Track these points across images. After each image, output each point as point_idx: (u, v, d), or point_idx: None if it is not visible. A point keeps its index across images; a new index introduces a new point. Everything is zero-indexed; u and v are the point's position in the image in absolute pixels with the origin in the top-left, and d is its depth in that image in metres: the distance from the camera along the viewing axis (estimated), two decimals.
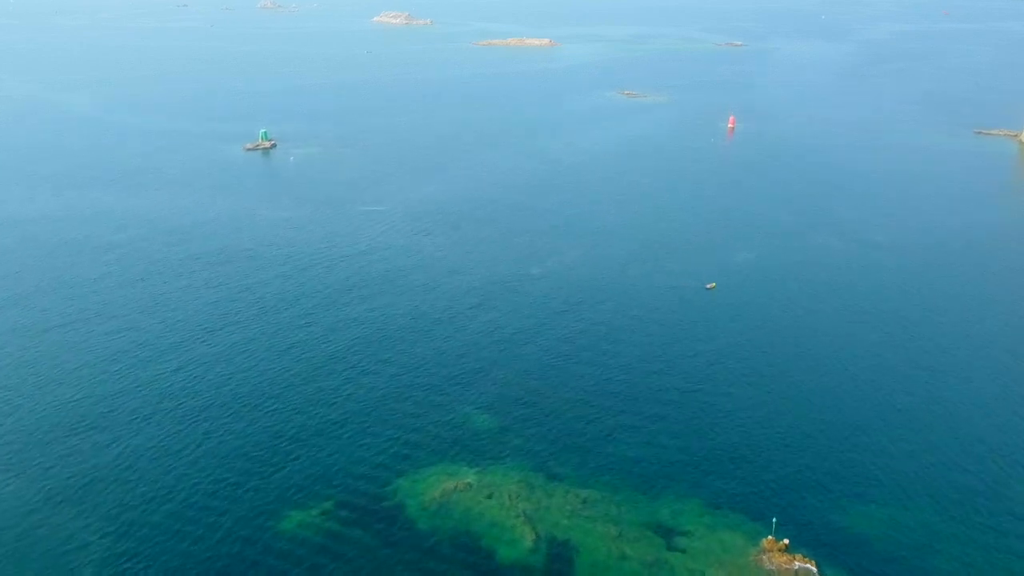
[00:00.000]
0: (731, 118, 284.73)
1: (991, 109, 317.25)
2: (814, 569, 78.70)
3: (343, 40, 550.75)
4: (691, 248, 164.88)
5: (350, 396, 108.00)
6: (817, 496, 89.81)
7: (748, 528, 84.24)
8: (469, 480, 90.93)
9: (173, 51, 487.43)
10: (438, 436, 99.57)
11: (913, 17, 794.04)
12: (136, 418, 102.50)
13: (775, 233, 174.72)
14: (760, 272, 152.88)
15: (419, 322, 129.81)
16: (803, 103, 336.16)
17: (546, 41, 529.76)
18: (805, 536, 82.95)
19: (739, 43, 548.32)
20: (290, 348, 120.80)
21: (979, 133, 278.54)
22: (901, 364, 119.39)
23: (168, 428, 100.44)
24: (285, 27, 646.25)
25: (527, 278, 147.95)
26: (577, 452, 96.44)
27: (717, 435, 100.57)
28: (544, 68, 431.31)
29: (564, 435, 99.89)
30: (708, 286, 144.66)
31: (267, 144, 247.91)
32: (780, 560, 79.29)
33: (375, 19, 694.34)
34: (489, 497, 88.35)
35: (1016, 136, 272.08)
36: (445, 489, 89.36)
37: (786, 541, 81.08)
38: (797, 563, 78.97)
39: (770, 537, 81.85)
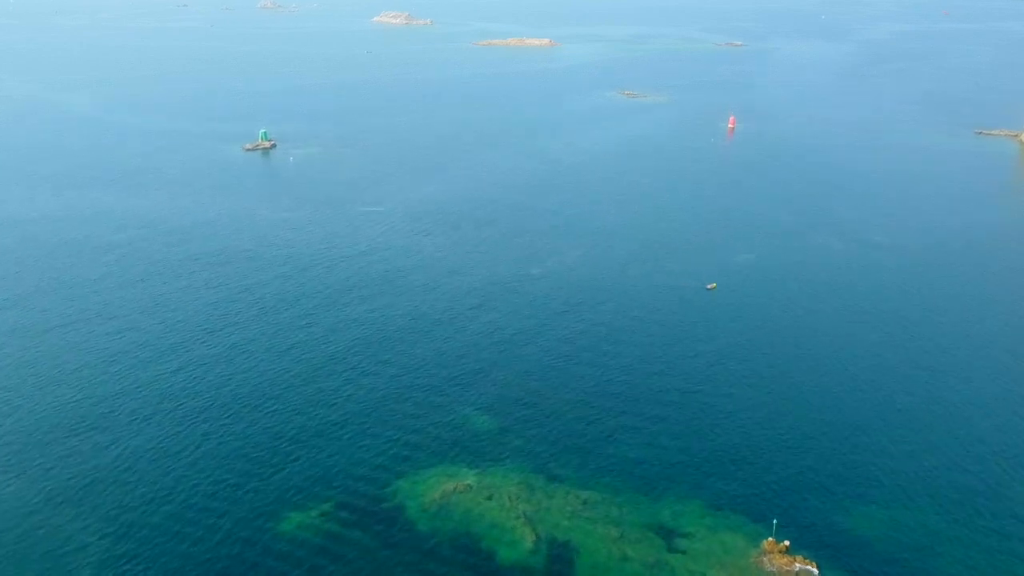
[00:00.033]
0: (731, 118, 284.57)
1: (991, 109, 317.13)
2: (815, 571, 78.58)
3: (343, 40, 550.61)
4: (691, 248, 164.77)
5: (350, 397, 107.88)
6: (818, 497, 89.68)
7: (749, 530, 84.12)
8: (469, 481, 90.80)
9: (173, 51, 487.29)
10: (438, 437, 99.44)
11: (913, 17, 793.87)
12: (136, 419, 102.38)
13: (775, 233, 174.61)
14: (760, 272, 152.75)
15: (419, 323, 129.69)
16: (803, 103, 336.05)
17: (546, 41, 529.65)
18: (806, 538, 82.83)
19: (739, 43, 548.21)
20: (290, 349, 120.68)
21: (979, 133, 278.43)
22: (901, 364, 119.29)
23: (168, 429, 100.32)
24: (285, 27, 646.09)
25: (527, 278, 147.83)
26: (578, 453, 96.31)
27: (718, 436, 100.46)
28: (544, 68, 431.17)
29: (564, 436, 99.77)
30: (709, 286, 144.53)
31: (267, 144, 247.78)
32: (781, 562, 79.14)
33: (375, 19, 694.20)
34: (489, 498, 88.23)
35: (1016, 136, 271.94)
36: (445, 490, 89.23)
37: (787, 543, 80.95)
38: (798, 565, 78.84)
39: (771, 539, 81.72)
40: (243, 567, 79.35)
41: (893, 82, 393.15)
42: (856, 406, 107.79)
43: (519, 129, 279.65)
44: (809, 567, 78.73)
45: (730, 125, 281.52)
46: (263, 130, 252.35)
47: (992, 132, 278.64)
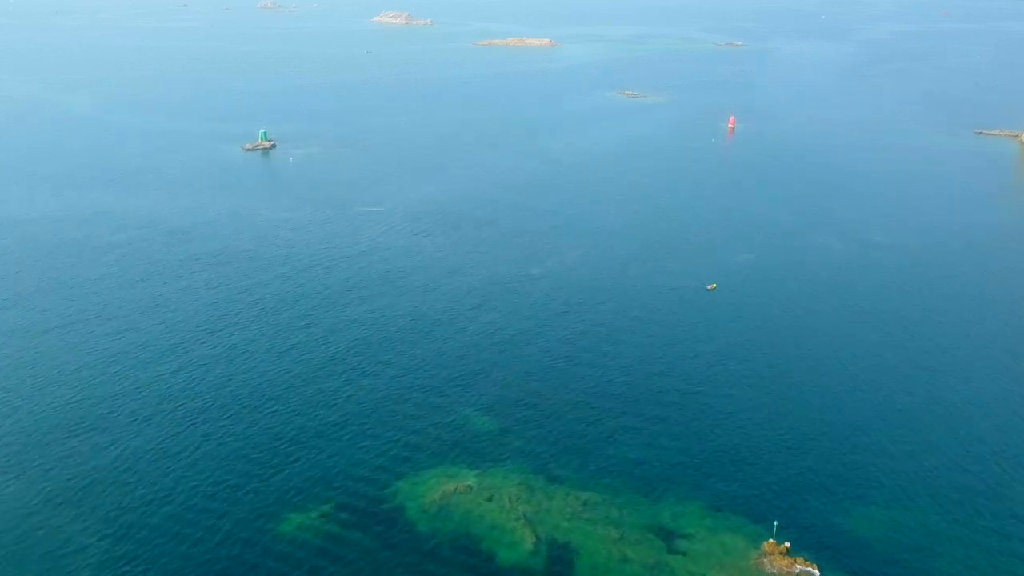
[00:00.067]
0: (731, 118, 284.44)
1: (991, 109, 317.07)
2: (816, 573, 78.46)
3: (343, 40, 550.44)
4: (691, 248, 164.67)
5: (350, 398, 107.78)
6: (819, 498, 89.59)
7: (749, 531, 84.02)
8: (469, 482, 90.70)
9: (173, 51, 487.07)
10: (438, 438, 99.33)
11: (913, 17, 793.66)
12: (135, 420, 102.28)
13: (775, 233, 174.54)
14: (760, 272, 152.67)
15: (419, 323, 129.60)
16: (803, 103, 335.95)
17: (546, 41, 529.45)
18: (807, 539, 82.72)
19: (739, 43, 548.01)
20: (290, 349, 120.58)
21: (980, 133, 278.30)
22: (901, 364, 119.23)
23: (167, 430, 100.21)
24: (285, 27, 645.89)
25: (527, 279, 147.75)
26: (578, 454, 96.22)
27: (718, 437, 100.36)
28: (544, 68, 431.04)
29: (565, 437, 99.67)
30: (709, 287, 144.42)
31: (267, 144, 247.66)
32: (782, 563, 79.03)
33: (375, 19, 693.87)
34: (489, 499, 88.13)
35: (1017, 136, 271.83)
36: (445, 491, 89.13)
37: (787, 544, 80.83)
38: (799, 566, 78.72)
39: (771, 540, 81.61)
40: (243, 568, 79.24)
41: (893, 82, 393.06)
42: (856, 406, 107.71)
43: (519, 129, 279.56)
44: (810, 569, 78.61)
45: (730, 125, 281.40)
46: (263, 130, 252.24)
47: (992, 132, 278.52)
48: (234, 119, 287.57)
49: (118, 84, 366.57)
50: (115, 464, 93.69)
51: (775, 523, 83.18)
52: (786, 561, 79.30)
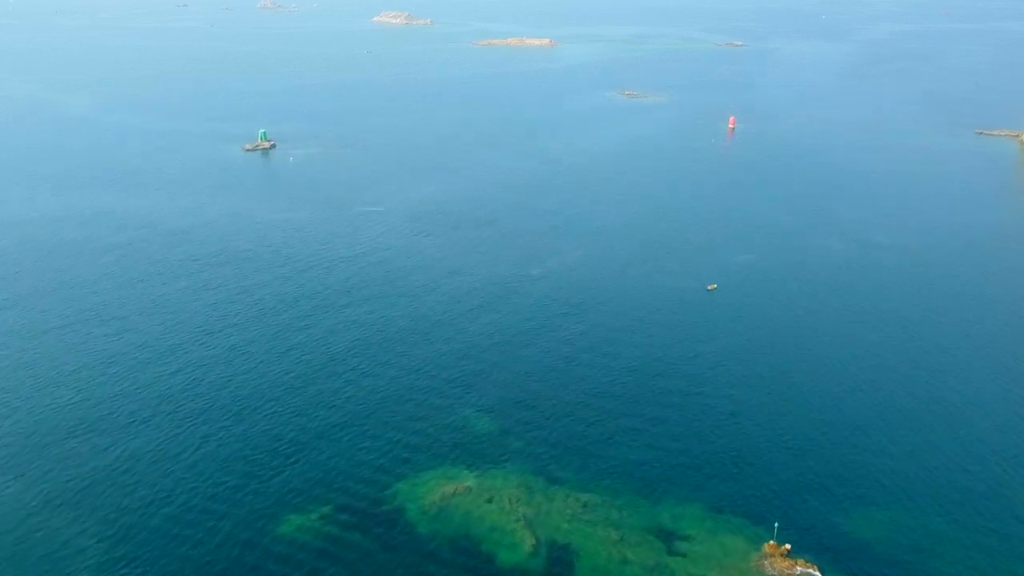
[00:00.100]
0: (731, 118, 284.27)
1: (992, 109, 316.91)
2: (817, 574, 78.28)
3: (343, 40, 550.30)
4: (691, 249, 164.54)
5: (349, 399, 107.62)
6: (819, 499, 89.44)
7: (750, 532, 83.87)
8: (469, 484, 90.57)
9: (173, 51, 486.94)
10: (438, 439, 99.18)
11: (913, 17, 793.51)
12: (135, 421, 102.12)
13: (775, 233, 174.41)
14: (760, 273, 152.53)
15: (419, 324, 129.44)
16: (803, 103, 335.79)
17: (546, 41, 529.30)
18: (807, 541, 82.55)
19: (739, 43, 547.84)
20: (289, 350, 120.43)
21: (980, 134, 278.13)
22: (901, 364, 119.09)
23: (167, 431, 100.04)
24: (285, 27, 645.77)
25: (527, 279, 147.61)
26: (578, 455, 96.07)
27: (719, 438, 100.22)
28: (544, 68, 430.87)
29: (565, 438, 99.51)
30: (709, 287, 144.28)
31: (266, 144, 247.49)
32: (782, 565, 78.86)
33: (375, 19, 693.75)
34: (489, 501, 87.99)
35: (1017, 136, 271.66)
36: (445, 493, 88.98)
37: (788, 546, 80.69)
38: (799, 568, 78.55)
39: (772, 542, 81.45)
40: (243, 570, 79.10)
41: (893, 82, 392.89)
42: (856, 406, 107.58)
43: (519, 129, 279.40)
44: (811, 571, 78.45)
45: (730, 125, 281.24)
46: (263, 130, 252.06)
47: (992, 132, 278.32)
48: (234, 119, 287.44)
49: (118, 84, 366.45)
50: (114, 465, 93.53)
51: (776, 525, 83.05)
52: (787, 563, 79.14)
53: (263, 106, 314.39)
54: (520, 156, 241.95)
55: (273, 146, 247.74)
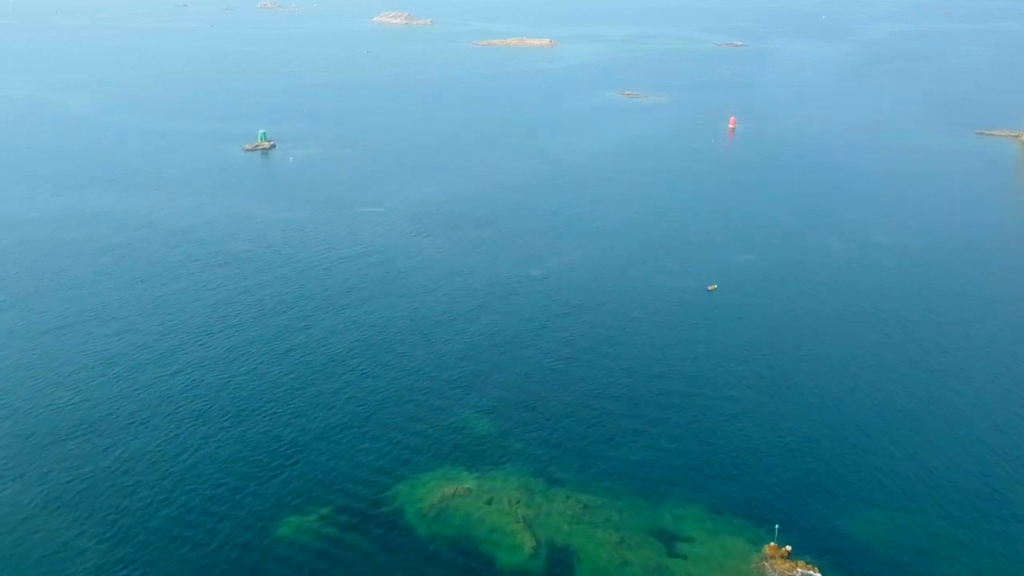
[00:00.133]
0: (731, 118, 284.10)
1: (992, 109, 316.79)
2: None
3: (343, 40, 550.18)
4: (692, 249, 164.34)
5: (349, 400, 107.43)
6: (820, 501, 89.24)
7: (750, 534, 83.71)
8: (469, 485, 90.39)
9: (173, 51, 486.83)
10: (438, 440, 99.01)
11: (913, 17, 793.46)
12: (134, 422, 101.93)
13: (775, 233, 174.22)
14: (761, 273, 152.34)
15: (419, 324, 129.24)
16: (803, 103, 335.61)
17: (546, 41, 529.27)
18: (808, 542, 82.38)
19: (739, 43, 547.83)
20: (289, 351, 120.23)
21: (980, 134, 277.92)
22: (901, 365, 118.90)
23: (166, 432, 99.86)
24: (285, 27, 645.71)
25: (527, 279, 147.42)
26: (578, 456, 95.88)
27: (719, 439, 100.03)
28: (544, 68, 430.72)
29: (565, 439, 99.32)
30: (709, 288, 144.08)
31: (266, 145, 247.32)
32: (783, 567, 78.68)
33: (375, 19, 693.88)
34: (489, 502, 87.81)
35: (1017, 136, 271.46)
36: (445, 494, 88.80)
37: (788, 548, 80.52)
38: (800, 570, 78.35)
39: (773, 543, 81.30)
40: (242, 571, 78.94)
41: (893, 82, 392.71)
42: (857, 407, 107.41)
43: (519, 129, 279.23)
44: (811, 572, 78.24)
45: (730, 125, 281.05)
46: (263, 130, 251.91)
47: (993, 132, 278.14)
48: (234, 119, 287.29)
49: (118, 84, 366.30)
50: (114, 466, 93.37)
51: (776, 526, 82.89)
52: (787, 565, 78.97)
53: (263, 106, 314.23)
54: (520, 156, 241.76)
55: (273, 146, 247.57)
